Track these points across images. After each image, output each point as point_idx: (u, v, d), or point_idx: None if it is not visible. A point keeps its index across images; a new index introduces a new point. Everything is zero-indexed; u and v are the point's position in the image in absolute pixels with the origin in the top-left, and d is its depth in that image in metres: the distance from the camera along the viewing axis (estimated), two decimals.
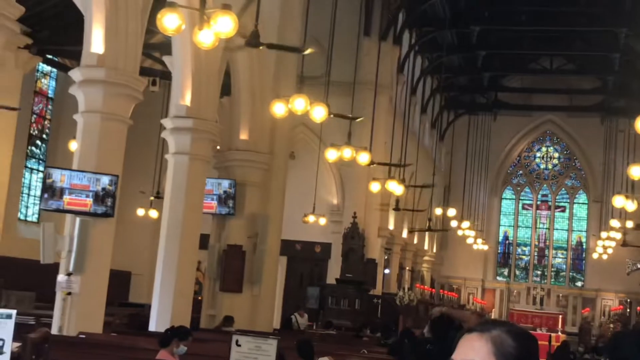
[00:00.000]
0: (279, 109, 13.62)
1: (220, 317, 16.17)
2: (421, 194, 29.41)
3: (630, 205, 21.02)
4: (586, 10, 27.44)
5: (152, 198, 22.60)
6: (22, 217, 22.80)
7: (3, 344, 4.69)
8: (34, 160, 23.63)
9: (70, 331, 11.28)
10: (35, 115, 23.43)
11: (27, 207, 23.18)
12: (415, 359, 10.59)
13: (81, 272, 11.46)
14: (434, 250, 36.73)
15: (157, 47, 15.41)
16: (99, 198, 11.49)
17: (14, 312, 4.87)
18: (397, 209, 25.99)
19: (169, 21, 8.71)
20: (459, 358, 2.06)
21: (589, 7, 27.24)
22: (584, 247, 39.63)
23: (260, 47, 11.17)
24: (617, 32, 28.04)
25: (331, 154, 17.00)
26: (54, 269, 11.79)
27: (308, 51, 13.97)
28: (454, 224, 32.64)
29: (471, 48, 31.42)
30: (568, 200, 40.98)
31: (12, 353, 4.88)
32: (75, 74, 11.88)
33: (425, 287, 32.88)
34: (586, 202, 40.26)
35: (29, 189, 23.17)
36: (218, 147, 16.81)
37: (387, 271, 26.94)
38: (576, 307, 37.53)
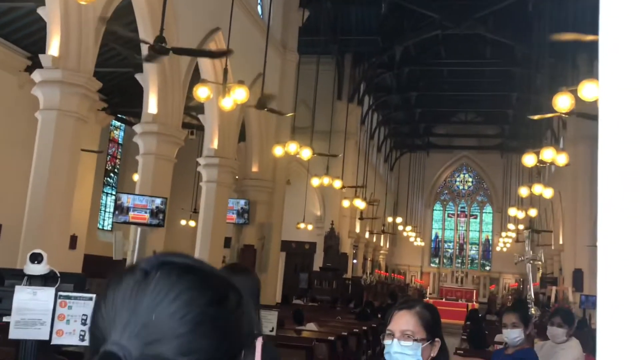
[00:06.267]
0: (278, 151, 13.75)
1: None
2: (377, 208, 29.40)
3: (520, 214, 21.33)
4: (490, 79, 27.70)
5: (190, 213, 22.56)
6: (100, 227, 22.65)
7: (87, 318, 4.69)
8: (108, 187, 23.52)
9: None
10: (109, 156, 23.41)
11: (104, 219, 23.05)
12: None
13: None
14: (387, 246, 36.67)
15: (194, 108, 15.42)
16: (153, 214, 11.49)
17: (94, 295, 4.86)
18: (361, 218, 26.04)
19: (202, 92, 8.81)
20: (398, 329, 1.99)
21: (492, 77, 27.52)
22: (490, 242, 39.68)
23: (265, 109, 11.21)
24: (510, 95, 28.37)
25: (315, 181, 17.09)
26: (122, 263, 11.73)
27: (289, 115, 14.45)
28: (400, 228, 32.72)
29: (411, 107, 31.62)
30: (479, 211, 41.10)
31: None
32: (137, 128, 11.93)
33: (381, 271, 32.78)
34: (491, 212, 40.38)
35: (105, 207, 23.01)
36: (237, 177, 16.80)
37: (355, 261, 26.85)
38: (486, 285, 37.50)
